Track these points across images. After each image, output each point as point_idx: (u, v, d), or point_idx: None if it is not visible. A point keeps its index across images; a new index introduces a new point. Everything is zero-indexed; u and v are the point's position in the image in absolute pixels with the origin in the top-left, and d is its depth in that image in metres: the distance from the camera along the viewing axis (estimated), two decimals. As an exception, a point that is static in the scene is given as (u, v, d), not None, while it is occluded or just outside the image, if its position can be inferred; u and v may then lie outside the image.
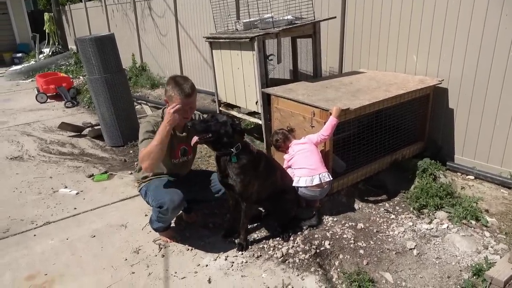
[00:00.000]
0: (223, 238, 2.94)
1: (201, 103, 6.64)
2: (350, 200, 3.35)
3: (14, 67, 12.02)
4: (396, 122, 3.67)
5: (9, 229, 3.23)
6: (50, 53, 12.62)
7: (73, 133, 5.60)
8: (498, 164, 3.51)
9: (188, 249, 2.84)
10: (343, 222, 3.05)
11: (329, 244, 2.79)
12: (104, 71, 4.76)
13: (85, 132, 5.53)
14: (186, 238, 2.97)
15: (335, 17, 4.34)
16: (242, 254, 2.75)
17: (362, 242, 2.82)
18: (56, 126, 5.83)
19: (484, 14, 3.31)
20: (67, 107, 7.29)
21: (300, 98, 3.28)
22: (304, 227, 2.99)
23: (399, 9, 3.93)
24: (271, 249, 2.79)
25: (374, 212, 3.21)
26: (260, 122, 4.13)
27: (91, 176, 4.18)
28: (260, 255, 2.73)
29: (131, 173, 4.18)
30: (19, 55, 14.17)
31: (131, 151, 4.84)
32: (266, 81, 3.98)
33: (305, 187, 2.99)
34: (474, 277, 2.42)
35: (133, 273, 2.62)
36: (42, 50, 13.07)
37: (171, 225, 3.00)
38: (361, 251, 2.72)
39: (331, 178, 3.05)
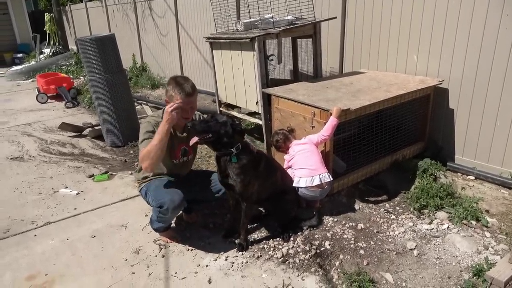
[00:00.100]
0: (223, 238, 2.94)
1: (202, 103, 6.64)
2: (350, 201, 3.35)
3: (15, 68, 12.04)
4: (397, 122, 3.66)
5: (9, 229, 3.23)
6: (50, 54, 12.63)
7: (73, 134, 5.60)
8: (499, 164, 3.50)
9: (189, 250, 2.84)
10: (343, 223, 3.05)
11: (329, 245, 2.78)
12: (105, 72, 4.76)
13: (85, 132, 5.53)
14: (187, 238, 2.97)
15: (336, 18, 4.34)
16: (242, 254, 2.75)
17: (363, 242, 2.81)
18: (56, 127, 5.83)
19: (484, 14, 3.30)
20: (68, 108, 7.30)
21: (300, 99, 3.28)
22: (305, 228, 2.99)
23: (399, 9, 3.93)
24: (272, 249, 2.79)
25: (374, 213, 3.21)
26: (260, 122, 4.13)
27: (91, 176, 4.18)
28: (260, 256, 2.73)
29: (132, 173, 4.18)
30: (20, 55, 14.18)
31: (131, 152, 4.84)
32: (267, 81, 3.98)
33: (305, 187, 2.99)
34: (475, 277, 2.41)
35: (134, 273, 2.62)
36: (43, 50, 13.09)
37: (172, 226, 3.00)
38: (362, 252, 2.72)
39: (332, 179, 3.05)
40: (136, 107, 6.32)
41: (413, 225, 3.00)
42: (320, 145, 3.12)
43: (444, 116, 3.83)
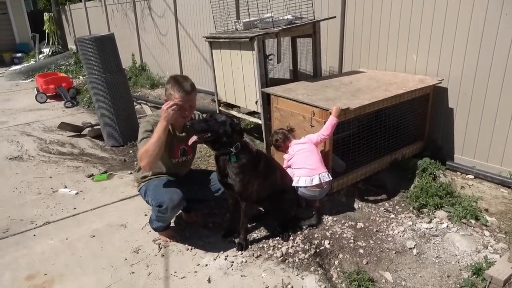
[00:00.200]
0: (223, 237, 2.94)
1: (201, 102, 6.64)
2: (349, 200, 3.35)
3: (14, 67, 12.03)
4: (396, 121, 3.67)
5: (8, 229, 3.23)
6: (49, 53, 12.62)
7: (72, 133, 5.59)
8: (498, 163, 3.51)
9: (188, 249, 2.84)
10: (342, 222, 3.05)
11: (328, 244, 2.79)
12: (104, 71, 4.76)
13: (84, 132, 5.53)
14: (186, 237, 2.97)
15: (335, 17, 4.34)
16: (242, 253, 2.75)
17: (362, 241, 2.82)
18: (55, 126, 5.83)
19: (484, 13, 3.31)
20: (67, 107, 7.29)
21: (300, 98, 3.28)
22: (304, 227, 2.99)
23: (399, 8, 3.93)
24: (271, 248, 2.79)
25: (373, 212, 3.21)
26: (260, 121, 4.13)
27: (90, 176, 4.17)
28: (260, 255, 2.73)
29: (131, 173, 4.17)
30: (19, 55, 14.16)
31: (130, 151, 4.84)
32: (266, 80, 3.98)
33: (304, 187, 2.99)
34: (474, 276, 2.42)
35: (133, 273, 2.62)
36: (42, 50, 13.07)
37: (171, 225, 3.00)
38: (361, 251, 2.72)
39: (331, 178, 3.05)
40: (136, 107, 6.32)
41: (413, 224, 3.01)
42: (319, 144, 3.12)
43: (443, 115, 3.83)
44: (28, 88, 9.40)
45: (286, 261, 2.66)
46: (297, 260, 2.65)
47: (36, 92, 7.87)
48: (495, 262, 2.48)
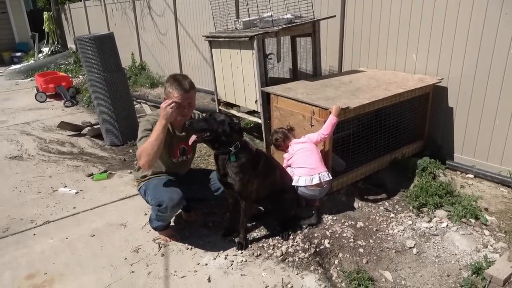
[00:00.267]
0: (223, 237, 2.94)
1: (201, 102, 6.64)
2: (349, 199, 3.35)
3: (14, 66, 12.01)
4: (396, 121, 3.66)
5: (8, 228, 3.23)
6: (49, 52, 12.60)
7: (72, 132, 5.59)
8: (498, 162, 3.51)
9: (188, 248, 2.84)
10: (342, 221, 3.05)
11: (328, 243, 2.79)
12: (104, 70, 4.75)
13: (84, 131, 5.53)
14: (186, 237, 2.97)
15: (335, 16, 4.34)
16: (242, 253, 2.75)
17: (362, 240, 2.82)
18: (55, 125, 5.82)
19: (483, 12, 3.30)
20: (67, 106, 7.28)
21: (299, 97, 3.28)
22: (304, 226, 2.99)
23: (398, 7, 3.92)
24: (271, 248, 2.79)
25: (373, 211, 3.21)
26: (259, 121, 4.12)
27: (90, 175, 4.17)
28: (260, 254, 2.73)
29: (131, 172, 4.17)
30: (18, 54, 14.14)
31: (130, 150, 4.84)
32: (266, 80, 3.98)
33: (304, 186, 2.99)
34: (474, 275, 2.42)
35: (133, 272, 2.62)
36: (42, 49, 13.04)
37: (171, 224, 3.00)
38: (361, 250, 2.72)
39: (331, 178, 3.05)
40: (135, 106, 6.32)
41: (412, 224, 3.01)
42: (319, 143, 3.12)
43: (443, 115, 3.83)
44: (28, 87, 9.39)
45: (286, 260, 2.66)
46: (297, 259, 2.65)
47: (36, 91, 7.86)
48: (495, 261, 2.48)
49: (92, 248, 2.90)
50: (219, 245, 2.85)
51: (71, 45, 13.31)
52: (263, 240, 2.89)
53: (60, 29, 13.11)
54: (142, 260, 2.73)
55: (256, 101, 4.03)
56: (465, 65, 3.53)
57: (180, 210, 2.97)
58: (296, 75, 4.88)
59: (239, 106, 4.75)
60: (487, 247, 2.70)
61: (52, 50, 12.68)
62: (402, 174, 3.62)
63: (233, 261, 2.67)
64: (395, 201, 3.36)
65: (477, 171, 3.58)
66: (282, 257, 2.69)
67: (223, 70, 4.48)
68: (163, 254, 2.79)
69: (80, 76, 9.67)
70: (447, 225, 2.94)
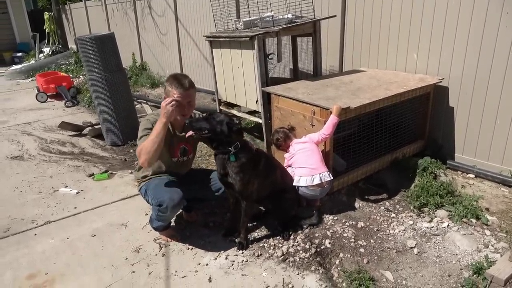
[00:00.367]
0: (224, 237, 2.94)
1: (201, 102, 6.64)
2: (350, 199, 3.35)
3: (14, 67, 12.02)
4: (397, 120, 3.66)
5: (9, 228, 3.23)
6: (50, 53, 12.62)
7: (73, 133, 5.59)
8: (499, 162, 3.50)
9: (189, 248, 2.84)
10: (343, 221, 3.05)
11: (329, 243, 2.79)
12: (104, 70, 4.75)
13: (85, 131, 5.53)
14: (187, 237, 2.97)
15: (335, 16, 4.34)
16: (243, 253, 2.75)
17: (363, 240, 2.82)
18: (56, 126, 5.83)
19: (484, 12, 3.30)
20: (67, 107, 7.29)
21: (300, 97, 3.28)
22: (305, 226, 2.99)
23: (399, 7, 3.92)
24: (272, 248, 2.79)
25: (374, 211, 3.21)
26: (260, 121, 4.12)
27: (91, 175, 4.18)
28: (261, 254, 2.73)
29: (131, 172, 4.18)
30: (19, 54, 14.16)
31: (131, 150, 4.84)
32: (266, 80, 3.98)
33: (305, 186, 2.99)
34: (475, 275, 2.42)
35: (134, 272, 2.62)
36: (42, 49, 13.06)
37: (171, 224, 3.00)
38: (362, 250, 2.72)
39: (332, 178, 3.05)
40: (136, 106, 6.32)
41: (413, 224, 3.00)
42: (320, 143, 3.12)
43: (444, 114, 3.83)
44: (29, 87, 9.40)
45: (287, 260, 2.66)
46: (297, 260, 2.65)
47: (37, 92, 7.86)
48: (496, 261, 2.48)
49: (93, 248, 2.91)
50: (220, 245, 2.85)
51: (71, 45, 13.31)
52: (264, 240, 2.89)
53: (61, 29, 13.13)
54: (143, 260, 2.73)
55: (256, 101, 4.03)
56: (466, 64, 3.53)
57: (180, 210, 2.97)
58: (296, 75, 4.88)
59: (239, 106, 4.75)
60: (488, 247, 2.69)
61: (53, 50, 12.70)
62: (403, 174, 3.61)
63: (234, 261, 2.67)
64: (396, 201, 3.36)
65: (478, 171, 3.58)
66: (283, 257, 2.69)
67: (224, 70, 4.48)
68: (164, 254, 2.79)
69: (81, 76, 9.68)
70: (448, 225, 2.94)
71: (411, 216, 3.11)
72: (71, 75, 9.32)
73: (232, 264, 2.64)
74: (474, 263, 2.48)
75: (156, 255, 2.79)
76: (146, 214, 3.24)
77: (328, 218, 3.08)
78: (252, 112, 4.58)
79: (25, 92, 8.97)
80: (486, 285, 2.31)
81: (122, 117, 4.97)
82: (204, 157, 4.33)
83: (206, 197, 3.07)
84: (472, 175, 3.62)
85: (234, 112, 4.63)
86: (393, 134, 3.63)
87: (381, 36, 4.16)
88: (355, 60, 4.52)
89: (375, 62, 4.32)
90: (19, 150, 5.07)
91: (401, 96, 3.44)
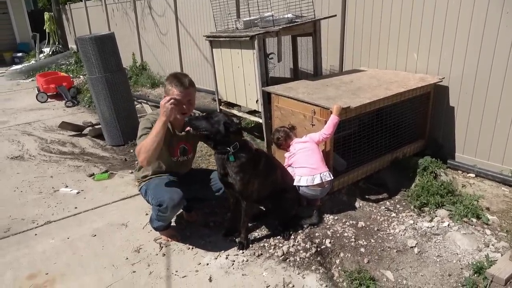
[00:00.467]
0: (224, 237, 2.94)
1: (202, 101, 6.64)
2: (351, 199, 3.35)
3: (15, 67, 12.02)
4: (397, 120, 3.66)
5: (10, 228, 3.23)
6: (50, 53, 12.62)
7: (73, 133, 5.60)
8: (499, 162, 3.50)
9: (189, 248, 2.84)
10: (344, 221, 3.05)
11: (330, 243, 2.79)
12: (104, 70, 4.76)
13: (85, 131, 5.53)
14: (187, 237, 2.97)
15: (336, 16, 4.34)
16: (243, 252, 2.75)
17: (363, 240, 2.81)
18: (56, 126, 5.83)
19: (485, 12, 3.30)
20: (68, 107, 7.29)
21: (300, 97, 3.27)
22: (305, 226, 2.99)
23: (399, 7, 3.92)
24: (272, 247, 2.79)
25: (375, 211, 3.21)
26: (260, 120, 4.12)
27: (91, 175, 4.18)
28: (261, 254, 2.73)
29: (132, 172, 4.17)
30: (20, 54, 14.16)
31: (131, 150, 4.84)
32: (267, 79, 3.98)
33: (306, 186, 2.99)
34: (475, 275, 2.42)
35: (134, 272, 2.62)
36: (42, 49, 13.07)
37: (172, 224, 3.00)
38: (362, 250, 2.72)
39: (332, 177, 3.04)
40: (136, 106, 6.32)
41: (414, 223, 3.00)
42: (321, 143, 3.12)
43: (444, 114, 3.82)
44: (29, 87, 9.40)
45: (287, 260, 2.66)
46: (298, 259, 2.65)
47: (37, 92, 7.87)
48: (496, 260, 2.48)
49: (93, 248, 2.91)
50: (220, 245, 2.85)
51: (72, 45, 13.32)
52: (264, 239, 2.89)
53: (61, 30, 13.13)
54: (143, 260, 2.74)
55: (257, 101, 4.03)
56: (466, 64, 3.53)
57: (181, 210, 2.97)
58: (297, 74, 4.88)
59: (240, 106, 4.75)
60: (488, 246, 2.69)
61: (53, 50, 12.70)
62: (403, 174, 3.61)
63: (234, 261, 2.67)
64: (396, 200, 3.36)
65: (479, 170, 3.58)
66: (283, 256, 2.68)
67: (224, 69, 4.48)
68: (164, 254, 2.79)
69: (81, 76, 9.69)
70: (448, 225, 2.94)
71: (411, 215, 3.11)
72: (71, 75, 9.32)
73: (233, 264, 2.64)
74: (474, 263, 2.48)
75: (157, 255, 2.79)
76: (147, 214, 3.24)
77: (329, 218, 3.08)
78: (252, 112, 4.58)
79: (25, 92, 8.97)
80: (487, 284, 2.31)
81: (122, 117, 4.97)
82: (204, 157, 4.33)
83: (206, 197, 3.06)
84: (472, 175, 3.62)
85: (235, 111, 4.63)
86: (394, 133, 3.63)
87: (381, 35, 4.16)
88: (355, 60, 4.52)
89: (375, 62, 4.31)
90: (20, 150, 5.07)
91: (402, 96, 3.44)
